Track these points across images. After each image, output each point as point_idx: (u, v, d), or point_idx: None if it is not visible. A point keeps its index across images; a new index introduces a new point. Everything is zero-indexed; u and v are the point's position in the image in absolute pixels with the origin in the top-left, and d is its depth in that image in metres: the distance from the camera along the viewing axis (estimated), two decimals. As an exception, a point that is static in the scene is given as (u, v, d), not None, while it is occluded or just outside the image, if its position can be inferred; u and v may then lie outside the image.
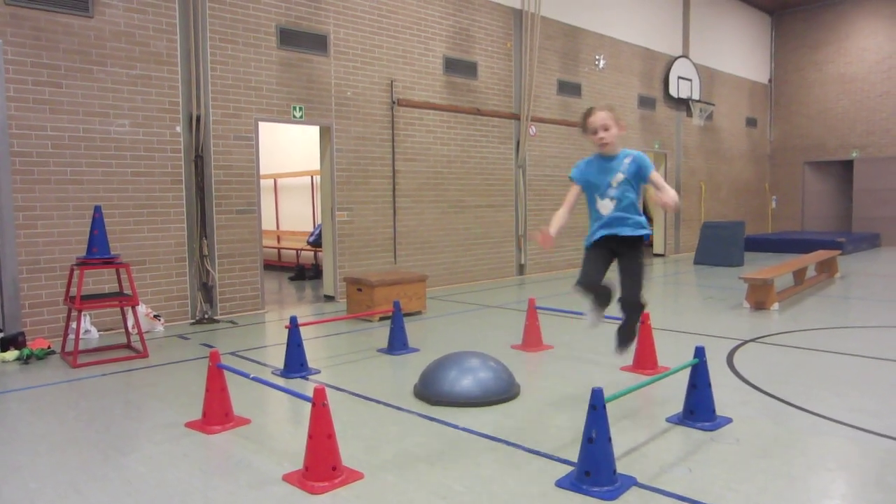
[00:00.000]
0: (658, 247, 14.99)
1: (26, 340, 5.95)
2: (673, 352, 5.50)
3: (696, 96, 15.02)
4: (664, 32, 14.47)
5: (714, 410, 3.83)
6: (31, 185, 6.30)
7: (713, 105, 15.77)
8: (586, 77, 12.42)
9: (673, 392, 4.32)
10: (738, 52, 17.18)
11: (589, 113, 3.83)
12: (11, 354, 5.66)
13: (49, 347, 5.84)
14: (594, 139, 3.79)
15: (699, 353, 3.78)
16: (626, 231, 3.79)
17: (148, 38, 6.97)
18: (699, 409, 3.79)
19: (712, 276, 11.15)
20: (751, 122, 17.83)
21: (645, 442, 3.57)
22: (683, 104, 14.90)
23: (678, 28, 14.92)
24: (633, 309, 3.95)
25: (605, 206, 3.81)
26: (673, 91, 14.41)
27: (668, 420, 3.88)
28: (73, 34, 6.48)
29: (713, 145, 16.32)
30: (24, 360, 5.62)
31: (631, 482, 3.04)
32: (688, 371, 3.84)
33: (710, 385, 3.80)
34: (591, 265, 3.90)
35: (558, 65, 11.83)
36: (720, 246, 12.66)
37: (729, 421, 3.84)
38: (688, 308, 8.09)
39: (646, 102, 13.95)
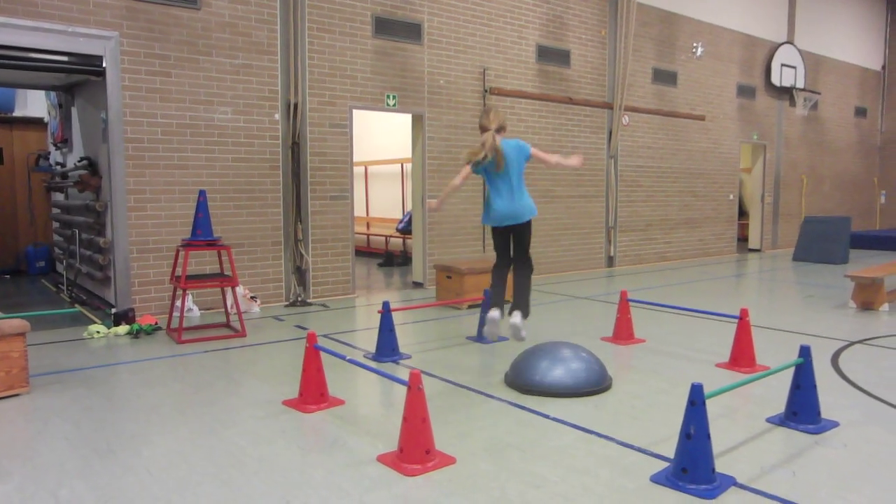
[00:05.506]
0: (753, 241, 14.33)
1: (136, 316, 6.36)
2: (770, 350, 5.25)
3: (800, 85, 14.20)
4: (767, 18, 13.74)
5: (819, 413, 3.64)
6: (141, 170, 6.69)
7: (819, 94, 14.87)
8: (683, 65, 11.98)
9: (772, 392, 4.15)
10: (848, 38, 16.09)
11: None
12: (123, 329, 6.07)
13: (156, 324, 6.21)
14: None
15: (804, 352, 3.60)
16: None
17: (250, 28, 7.24)
18: (803, 411, 3.61)
19: (813, 273, 10.56)
20: (860, 112, 16.70)
21: (744, 441, 3.44)
22: (786, 93, 14.13)
23: (783, 13, 14.13)
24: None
25: None
26: (775, 79, 13.68)
27: (768, 420, 3.72)
28: (182, 25, 6.82)
29: (817, 136, 15.41)
30: (135, 335, 6.00)
31: (730, 482, 2.93)
32: (789, 371, 3.67)
33: (815, 386, 3.61)
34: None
35: (654, 52, 11.46)
36: (823, 242, 11.97)
37: (835, 425, 3.64)
38: (786, 306, 7.69)
39: (745, 91, 13.31)
